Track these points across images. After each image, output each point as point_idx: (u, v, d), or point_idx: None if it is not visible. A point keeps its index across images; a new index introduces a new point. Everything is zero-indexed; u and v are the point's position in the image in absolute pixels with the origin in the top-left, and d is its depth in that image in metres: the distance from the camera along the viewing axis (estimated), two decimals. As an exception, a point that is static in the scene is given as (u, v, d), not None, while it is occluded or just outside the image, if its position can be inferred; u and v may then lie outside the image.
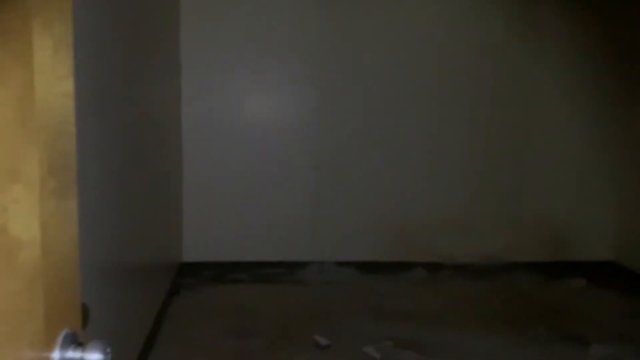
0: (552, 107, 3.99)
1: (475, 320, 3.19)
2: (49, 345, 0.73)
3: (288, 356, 2.70)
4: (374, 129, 3.88)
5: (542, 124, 3.99)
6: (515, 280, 3.84)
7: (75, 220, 0.78)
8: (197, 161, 3.77)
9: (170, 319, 3.09)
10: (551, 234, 4.08)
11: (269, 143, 3.83)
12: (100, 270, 1.87)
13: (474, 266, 3.95)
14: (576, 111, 4.01)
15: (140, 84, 2.61)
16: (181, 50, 3.68)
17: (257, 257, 3.87)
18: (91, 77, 1.74)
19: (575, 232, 4.09)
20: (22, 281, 0.65)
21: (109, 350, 0.78)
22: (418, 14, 3.86)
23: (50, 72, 0.72)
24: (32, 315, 0.68)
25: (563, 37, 3.94)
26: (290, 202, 3.87)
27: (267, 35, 3.79)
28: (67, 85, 0.76)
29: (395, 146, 3.90)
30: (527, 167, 4.02)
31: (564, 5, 3.95)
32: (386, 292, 3.59)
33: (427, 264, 3.93)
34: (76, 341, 0.78)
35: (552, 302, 3.51)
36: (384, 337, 2.90)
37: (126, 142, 2.31)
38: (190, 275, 3.72)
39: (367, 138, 3.88)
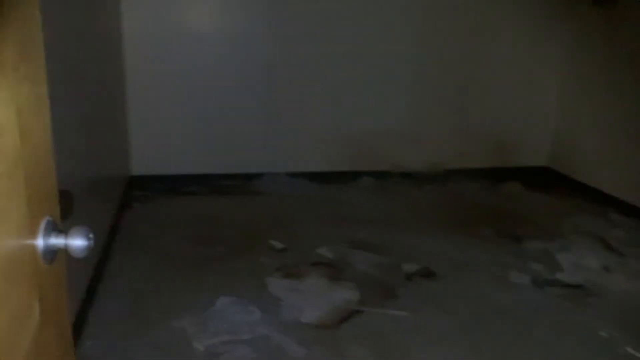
0: (494, 25, 4.03)
1: (422, 222, 3.38)
2: (32, 232, 0.75)
3: (248, 260, 2.80)
4: (327, 41, 3.82)
5: (485, 40, 4.05)
6: (459, 186, 4.05)
7: (47, 107, 0.77)
8: (141, 74, 3.63)
9: (125, 230, 3.10)
10: (492, 142, 4.27)
11: (218, 54, 3.72)
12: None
13: (420, 174, 4.12)
14: (516, 28, 4.08)
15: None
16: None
17: (209, 169, 3.88)
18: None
19: (513, 140, 4.30)
20: (4, 164, 0.65)
21: (91, 235, 0.81)
22: None
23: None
24: (15, 200, 0.69)
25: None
26: (242, 114, 3.84)
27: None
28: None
29: (346, 59, 3.88)
30: (472, 80, 4.11)
31: None
32: (338, 200, 3.72)
33: (376, 172, 4.06)
34: (57, 228, 0.80)
35: (492, 204, 3.75)
36: (337, 239, 3.04)
37: (64, 50, 2.19)
38: (142, 188, 3.71)
39: (320, 50, 3.83)
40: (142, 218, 3.30)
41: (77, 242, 0.79)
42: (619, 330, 2.30)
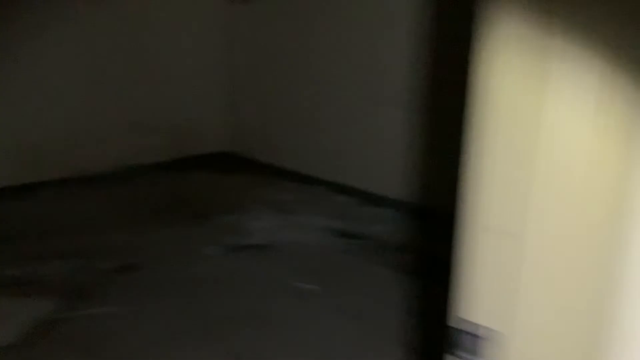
0: (156, 15, 4.22)
1: (117, 221, 3.38)
2: None
3: None
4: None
5: (148, 31, 4.19)
6: (148, 180, 4.14)
7: None
8: None
9: None
10: (175, 134, 4.46)
11: None
12: None
13: (105, 175, 4.04)
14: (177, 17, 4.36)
15: None
16: None
17: None
18: None
19: (196, 129, 4.59)
20: None
21: None
22: None
23: None
24: None
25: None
26: None
27: None
28: None
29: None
30: (142, 72, 4.20)
31: None
32: (17, 217, 3.42)
33: (58, 180, 3.84)
34: None
35: (182, 192, 3.97)
36: (23, 257, 2.83)
37: None
38: None
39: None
40: None
41: None
42: (292, 272, 2.80)
